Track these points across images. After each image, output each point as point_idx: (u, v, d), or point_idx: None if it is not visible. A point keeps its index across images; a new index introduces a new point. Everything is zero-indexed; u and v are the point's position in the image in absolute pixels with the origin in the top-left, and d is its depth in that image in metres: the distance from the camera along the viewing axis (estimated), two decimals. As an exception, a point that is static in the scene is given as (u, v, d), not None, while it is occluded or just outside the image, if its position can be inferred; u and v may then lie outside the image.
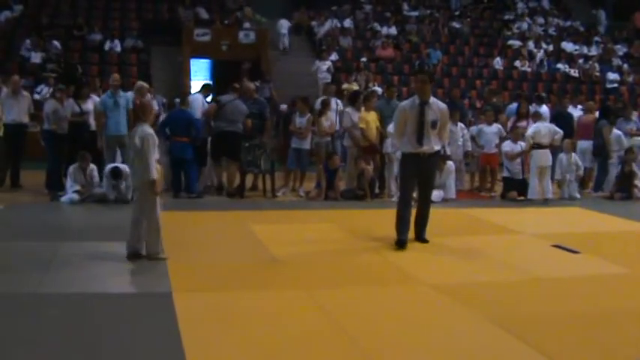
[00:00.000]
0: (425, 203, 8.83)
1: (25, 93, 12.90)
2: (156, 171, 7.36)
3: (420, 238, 8.82)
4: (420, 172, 8.56)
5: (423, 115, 8.36)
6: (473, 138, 13.72)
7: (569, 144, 13.22)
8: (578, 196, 13.07)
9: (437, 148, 8.60)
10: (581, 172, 13.35)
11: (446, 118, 8.68)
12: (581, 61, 24.58)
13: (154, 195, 7.39)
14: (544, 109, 15.24)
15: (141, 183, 7.49)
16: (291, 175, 12.79)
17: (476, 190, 13.85)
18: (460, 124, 13.80)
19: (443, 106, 8.70)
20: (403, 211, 8.57)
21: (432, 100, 8.57)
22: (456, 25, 25.98)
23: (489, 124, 13.70)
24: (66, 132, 11.98)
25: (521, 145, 12.73)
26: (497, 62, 23.79)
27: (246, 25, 22.96)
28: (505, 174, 13.01)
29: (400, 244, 8.41)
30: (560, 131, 12.89)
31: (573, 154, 13.30)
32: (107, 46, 21.10)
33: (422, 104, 8.41)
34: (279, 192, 12.48)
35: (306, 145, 12.60)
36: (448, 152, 12.87)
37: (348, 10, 25.40)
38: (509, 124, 14.37)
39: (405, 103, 8.84)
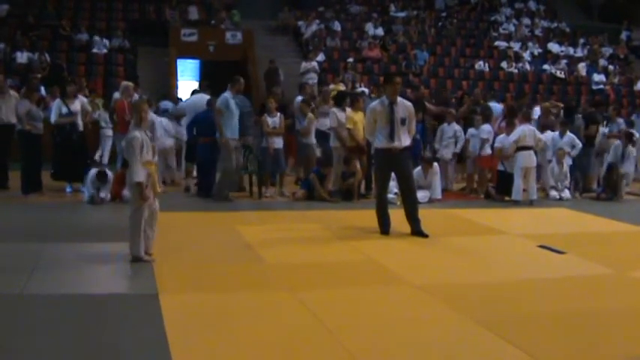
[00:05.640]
0: (409, 196, 9.34)
1: (13, 92, 12.64)
2: (142, 174, 7.28)
3: (417, 232, 9.16)
4: (394, 165, 9.25)
5: (393, 113, 9.08)
6: (468, 140, 13.76)
7: (561, 154, 13.25)
8: (569, 197, 13.13)
9: (407, 143, 9.23)
10: (567, 183, 13.39)
11: (413, 115, 9.38)
12: (565, 61, 24.66)
13: (139, 198, 7.34)
14: (494, 104, 15.54)
15: (129, 185, 7.47)
16: (269, 176, 12.75)
17: (467, 191, 13.90)
18: (456, 126, 13.84)
19: (409, 104, 9.43)
20: (380, 204, 9.37)
21: (399, 99, 9.29)
22: (442, 25, 26.06)
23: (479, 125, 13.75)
24: (41, 132, 11.88)
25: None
26: (480, 65, 23.82)
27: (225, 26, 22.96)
28: (500, 167, 12.99)
29: (384, 233, 9.27)
30: (544, 138, 12.98)
31: (564, 163, 13.33)
32: (94, 46, 21.02)
33: (391, 104, 9.13)
34: (266, 193, 12.47)
35: (281, 144, 12.60)
36: (444, 154, 13.59)
37: (336, 10, 25.48)
38: (496, 125, 14.41)
39: (374, 103, 9.63)
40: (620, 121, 15.58)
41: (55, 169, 12.13)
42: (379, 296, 6.55)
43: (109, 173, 11.17)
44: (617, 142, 14.13)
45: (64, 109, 12.04)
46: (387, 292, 6.68)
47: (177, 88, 20.12)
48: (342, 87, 17.78)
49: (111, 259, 7.55)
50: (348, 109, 12.39)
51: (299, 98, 13.78)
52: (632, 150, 13.99)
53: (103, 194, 11.05)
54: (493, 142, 13.21)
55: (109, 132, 14.92)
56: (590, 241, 9.38)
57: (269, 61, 20.88)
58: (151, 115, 12.20)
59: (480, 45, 25.49)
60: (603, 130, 14.96)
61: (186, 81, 23.59)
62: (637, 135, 14.56)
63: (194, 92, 15.19)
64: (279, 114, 12.67)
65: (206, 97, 13.26)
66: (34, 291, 6.32)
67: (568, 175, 13.35)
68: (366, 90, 17.27)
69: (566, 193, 13.16)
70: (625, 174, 13.72)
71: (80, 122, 12.31)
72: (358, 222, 10.08)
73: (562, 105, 16.89)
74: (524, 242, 9.11)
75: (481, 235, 9.66)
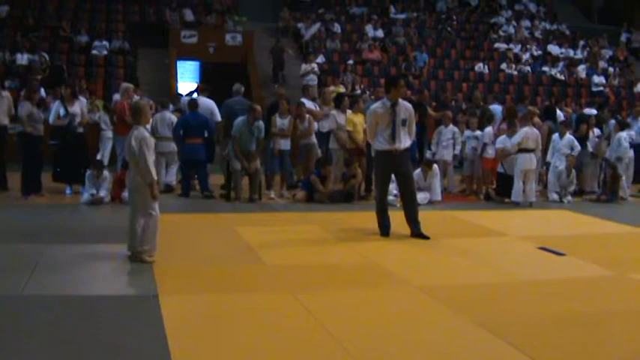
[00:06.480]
0: (409, 198, 9.33)
1: (5, 93, 12.56)
2: (155, 173, 7.37)
3: (417, 233, 9.15)
4: (394, 167, 9.23)
5: (395, 115, 9.04)
6: (464, 142, 13.77)
7: (572, 160, 13.25)
8: (570, 200, 13.12)
9: (407, 144, 9.21)
10: (571, 189, 13.40)
11: (413, 116, 9.37)
12: (562, 63, 24.67)
13: (152, 197, 7.36)
14: (494, 106, 15.52)
15: (135, 184, 7.45)
16: (274, 177, 12.75)
17: (467, 192, 13.90)
18: (454, 128, 13.84)
19: (408, 105, 9.42)
20: (381, 205, 9.33)
21: (400, 101, 9.24)
22: (442, 28, 26.09)
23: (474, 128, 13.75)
24: (42, 134, 11.86)
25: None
26: (480, 67, 23.84)
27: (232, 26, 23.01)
28: (500, 169, 12.99)
29: (384, 235, 9.21)
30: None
31: (573, 170, 13.32)
32: (94, 47, 21.01)
33: (393, 105, 9.09)
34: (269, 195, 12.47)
35: (288, 146, 12.60)
36: (444, 155, 13.51)
37: (337, 12, 25.52)
38: (496, 126, 14.41)
39: (375, 105, 9.54)
40: (612, 122, 15.58)
41: (55, 170, 12.12)
42: (379, 298, 6.54)
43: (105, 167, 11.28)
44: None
45: (62, 111, 12.03)
46: (387, 294, 6.68)
47: (177, 89, 20.09)
48: (342, 89, 17.80)
49: (111, 259, 7.55)
50: (349, 111, 12.39)
51: (302, 100, 13.81)
52: (624, 136, 13.96)
53: (102, 193, 11.06)
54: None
55: (109, 134, 14.89)
56: (590, 242, 9.40)
57: (275, 39, 21.04)
58: (171, 117, 12.38)
59: (480, 47, 25.54)
60: (598, 131, 15.00)
61: (186, 83, 23.60)
62: (633, 133, 14.59)
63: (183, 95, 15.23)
64: (289, 116, 12.67)
65: (209, 101, 13.22)
66: (34, 292, 6.32)
67: (575, 181, 13.36)
68: (367, 91, 17.30)
69: (569, 197, 13.14)
70: (628, 160, 13.73)
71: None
72: (358, 224, 10.07)
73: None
74: (524, 244, 9.11)
75: (481, 237, 9.65)
